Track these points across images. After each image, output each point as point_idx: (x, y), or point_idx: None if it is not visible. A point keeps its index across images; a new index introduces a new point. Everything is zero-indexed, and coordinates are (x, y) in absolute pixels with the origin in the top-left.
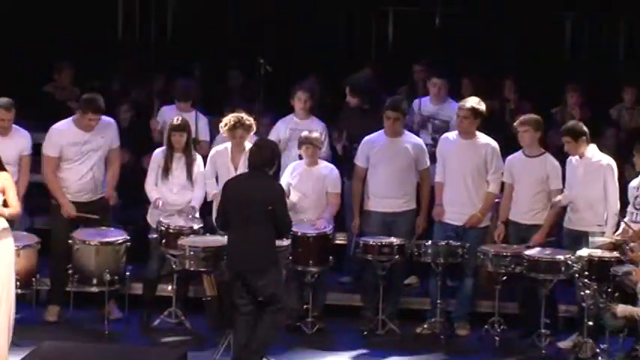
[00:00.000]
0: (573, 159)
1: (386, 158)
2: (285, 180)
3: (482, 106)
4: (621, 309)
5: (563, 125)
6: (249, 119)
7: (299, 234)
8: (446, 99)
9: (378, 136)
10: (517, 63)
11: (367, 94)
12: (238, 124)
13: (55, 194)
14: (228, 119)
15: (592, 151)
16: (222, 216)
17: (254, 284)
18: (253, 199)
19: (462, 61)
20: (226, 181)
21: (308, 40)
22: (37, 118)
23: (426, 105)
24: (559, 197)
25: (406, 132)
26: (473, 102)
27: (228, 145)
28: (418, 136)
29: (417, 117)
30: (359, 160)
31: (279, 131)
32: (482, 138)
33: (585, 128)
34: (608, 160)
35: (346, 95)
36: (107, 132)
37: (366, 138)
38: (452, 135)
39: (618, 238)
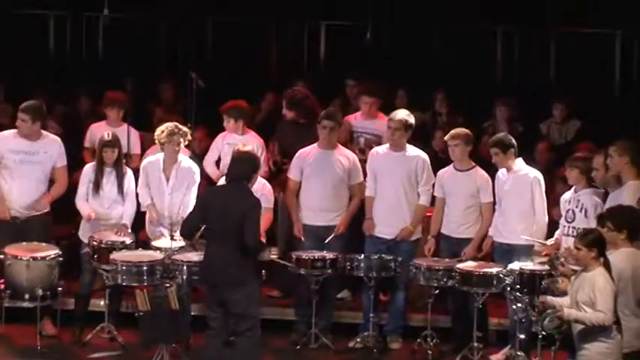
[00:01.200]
0: (501, 173)
1: (319, 171)
2: None
3: (412, 119)
4: (567, 314)
5: (493, 138)
6: (183, 127)
7: None
8: (377, 114)
9: (311, 149)
10: (449, 76)
11: (303, 108)
12: (175, 130)
13: None
14: (165, 127)
15: (519, 164)
16: (193, 224)
17: (228, 298)
18: (232, 212)
19: (394, 75)
20: (204, 192)
21: (240, 54)
22: None
23: (357, 120)
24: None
25: (339, 145)
26: (403, 114)
27: (161, 155)
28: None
29: (345, 133)
30: (292, 174)
31: (218, 146)
32: (412, 150)
33: (514, 141)
34: (535, 173)
35: (283, 109)
36: (51, 148)
37: (300, 151)
38: (382, 149)
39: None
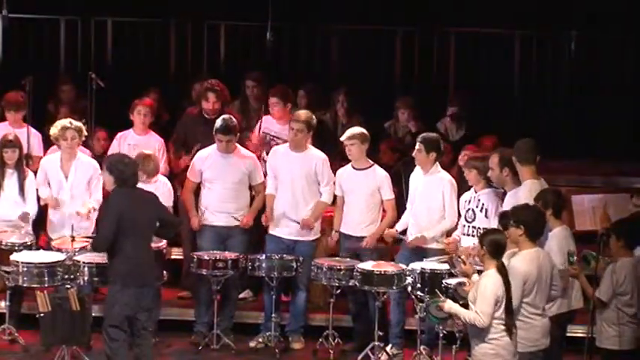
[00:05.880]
0: (415, 175)
1: (220, 173)
2: None
3: (315, 120)
4: (448, 305)
5: (423, 134)
6: (78, 122)
7: None
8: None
9: (210, 151)
10: (348, 77)
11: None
12: (69, 124)
13: None
14: (58, 122)
15: (435, 167)
16: (110, 235)
17: (148, 296)
18: (147, 214)
19: (295, 75)
20: (114, 201)
21: (141, 55)
22: None
23: (269, 123)
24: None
25: (239, 147)
26: (306, 115)
27: (59, 153)
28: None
29: (259, 134)
30: (191, 175)
31: (117, 147)
32: (312, 150)
33: (441, 145)
34: (449, 177)
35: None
36: None
37: (199, 153)
38: (282, 148)
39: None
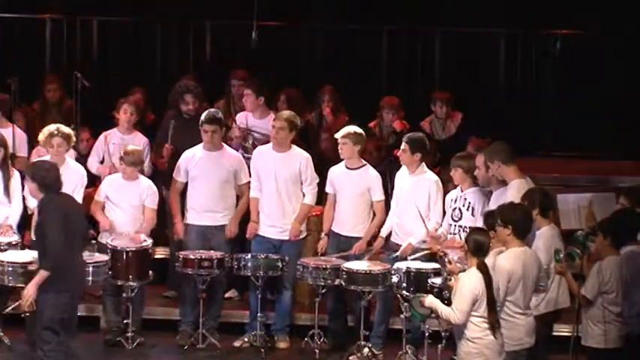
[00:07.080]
0: (401, 175)
1: (205, 172)
2: (102, 193)
3: (298, 119)
4: (429, 300)
5: (409, 134)
6: (67, 128)
7: (118, 248)
8: (266, 113)
9: (196, 150)
10: (334, 75)
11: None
12: (56, 132)
13: None
14: (47, 128)
15: (421, 167)
16: (62, 246)
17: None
18: (83, 217)
19: (280, 74)
20: (55, 206)
21: (126, 54)
22: None
23: (244, 117)
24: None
25: (225, 146)
26: (289, 114)
27: (47, 157)
28: (237, 150)
29: (236, 130)
30: (177, 175)
31: (102, 146)
32: (296, 150)
33: (427, 145)
34: (435, 178)
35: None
36: None
37: (185, 152)
38: (265, 148)
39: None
